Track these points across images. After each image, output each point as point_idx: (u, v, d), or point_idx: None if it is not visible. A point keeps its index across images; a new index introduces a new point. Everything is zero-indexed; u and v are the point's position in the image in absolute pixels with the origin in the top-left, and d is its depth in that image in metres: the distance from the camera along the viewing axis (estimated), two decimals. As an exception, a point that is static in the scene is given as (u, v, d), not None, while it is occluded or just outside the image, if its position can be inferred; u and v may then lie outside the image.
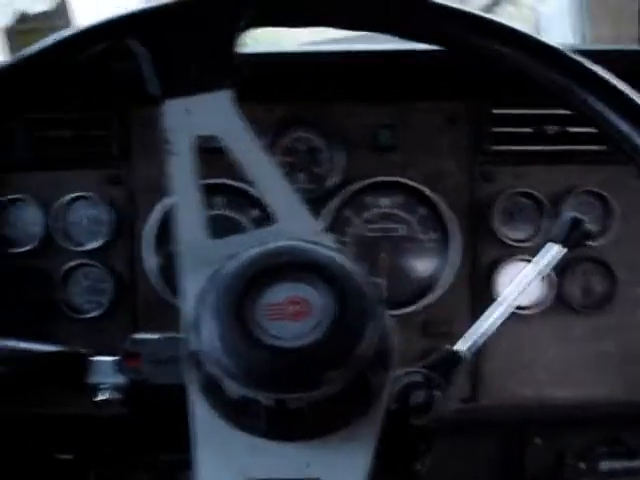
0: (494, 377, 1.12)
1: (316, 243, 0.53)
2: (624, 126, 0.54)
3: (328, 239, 0.57)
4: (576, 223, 0.70)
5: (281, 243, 0.53)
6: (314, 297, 0.49)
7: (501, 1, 1.45)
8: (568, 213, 0.71)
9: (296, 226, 0.58)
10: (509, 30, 0.60)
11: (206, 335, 0.49)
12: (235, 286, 0.50)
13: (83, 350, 0.64)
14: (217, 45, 0.60)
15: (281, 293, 0.50)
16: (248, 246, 0.53)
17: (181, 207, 0.59)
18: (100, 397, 0.62)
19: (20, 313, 1.10)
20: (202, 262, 0.56)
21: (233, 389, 0.49)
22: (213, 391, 0.51)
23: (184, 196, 0.59)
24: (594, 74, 0.57)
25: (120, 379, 0.61)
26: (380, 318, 0.50)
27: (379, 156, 1.10)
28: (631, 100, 0.55)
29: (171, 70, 0.60)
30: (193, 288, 0.54)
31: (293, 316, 0.49)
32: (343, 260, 0.51)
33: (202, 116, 0.59)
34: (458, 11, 0.61)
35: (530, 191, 1.09)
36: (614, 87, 0.56)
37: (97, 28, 0.61)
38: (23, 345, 0.65)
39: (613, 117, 0.55)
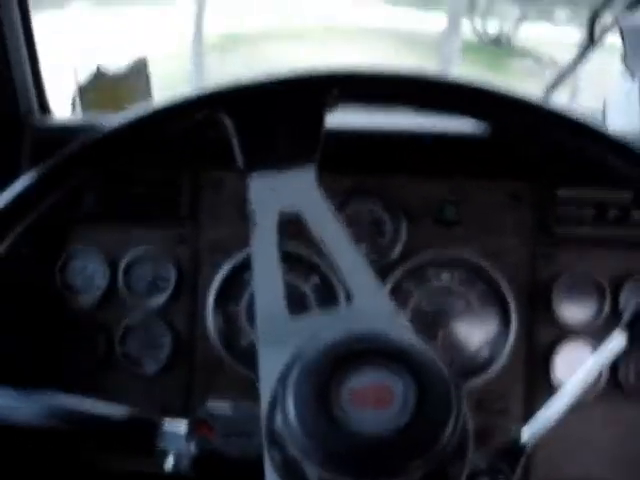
0: (544, 458, 1.10)
1: (397, 328, 0.54)
2: None
3: (403, 321, 0.58)
4: None
5: (365, 328, 0.54)
6: (397, 385, 0.50)
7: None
8: (634, 301, 0.71)
9: (373, 307, 0.59)
10: (571, 120, 0.61)
11: (288, 415, 0.49)
12: (320, 369, 0.51)
13: (154, 414, 0.64)
14: (306, 122, 0.62)
15: (365, 379, 0.50)
16: (329, 327, 0.54)
17: (262, 281, 0.60)
18: (168, 463, 0.63)
19: (79, 363, 1.12)
20: (282, 339, 0.57)
21: (312, 471, 0.49)
22: (291, 471, 0.51)
23: (265, 270, 0.60)
24: None
25: (190, 447, 0.62)
26: (461, 408, 0.50)
27: (442, 230, 1.11)
28: None
29: (258, 144, 0.62)
30: (272, 364, 0.55)
31: (376, 403, 0.49)
32: (426, 348, 0.52)
33: (287, 192, 0.60)
34: (518, 101, 0.62)
35: (591, 273, 1.09)
36: None
37: (190, 101, 0.63)
38: (94, 406, 0.66)
39: None
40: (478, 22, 16.37)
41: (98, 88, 1.25)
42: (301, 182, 0.61)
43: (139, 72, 1.26)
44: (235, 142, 0.61)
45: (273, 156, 0.61)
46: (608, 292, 1.09)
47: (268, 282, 0.60)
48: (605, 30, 1.32)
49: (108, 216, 1.13)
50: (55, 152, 0.61)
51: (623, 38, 1.28)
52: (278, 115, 0.62)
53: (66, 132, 1.14)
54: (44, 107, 1.21)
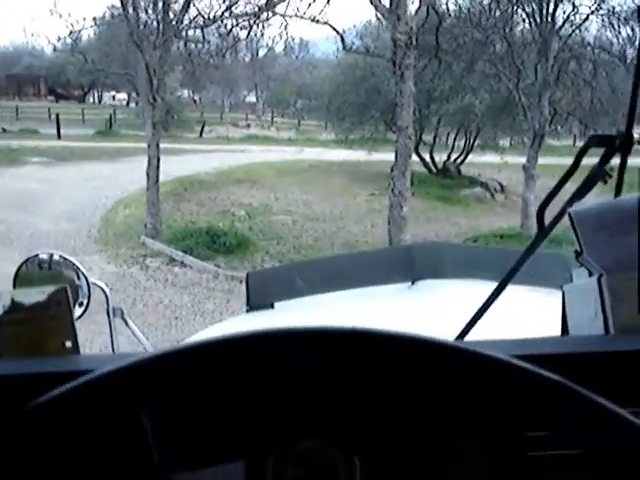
0: None
1: None
2: None
3: None
4: None
5: None
6: None
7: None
8: None
9: None
10: None
11: None
12: None
13: None
14: None
15: None
16: None
17: None
18: None
19: None
20: None
21: None
22: None
23: None
24: None
25: None
26: None
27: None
28: None
29: None
30: None
31: None
32: None
33: None
34: None
35: None
36: None
37: None
38: None
39: None
40: (426, 155, 16.95)
41: (14, 321, 1.14)
42: None
43: (59, 302, 1.15)
44: None
45: None
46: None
47: None
48: (556, 221, 1.25)
49: None
50: None
51: (576, 231, 1.21)
52: None
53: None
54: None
